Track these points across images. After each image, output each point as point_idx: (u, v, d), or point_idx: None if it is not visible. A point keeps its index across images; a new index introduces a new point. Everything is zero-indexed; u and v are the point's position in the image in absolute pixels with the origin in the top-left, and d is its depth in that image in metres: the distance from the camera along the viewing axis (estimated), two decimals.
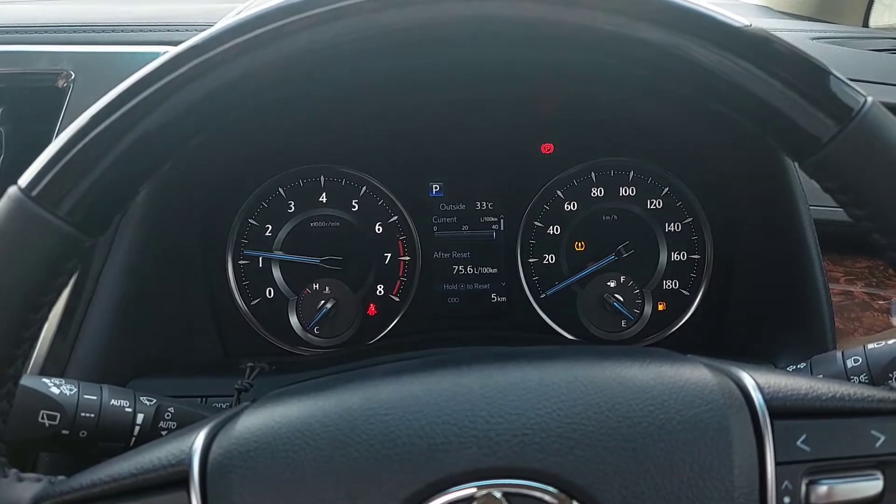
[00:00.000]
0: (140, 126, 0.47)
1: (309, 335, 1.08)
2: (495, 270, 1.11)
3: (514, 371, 0.49)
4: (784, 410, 0.46)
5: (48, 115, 0.88)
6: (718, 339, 1.04)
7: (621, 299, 1.07)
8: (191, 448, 0.47)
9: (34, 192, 0.46)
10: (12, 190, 0.47)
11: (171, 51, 0.48)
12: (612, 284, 1.08)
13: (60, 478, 0.49)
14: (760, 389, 0.47)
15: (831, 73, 0.48)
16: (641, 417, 0.45)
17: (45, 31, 0.96)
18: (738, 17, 0.49)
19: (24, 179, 0.47)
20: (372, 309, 1.09)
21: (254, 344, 1.07)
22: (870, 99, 0.48)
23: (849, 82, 0.48)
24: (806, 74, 0.48)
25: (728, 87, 0.49)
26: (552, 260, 1.10)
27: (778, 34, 0.49)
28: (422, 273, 1.10)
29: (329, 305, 1.06)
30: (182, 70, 0.47)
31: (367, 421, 0.46)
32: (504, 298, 1.11)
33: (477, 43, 0.50)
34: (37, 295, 0.47)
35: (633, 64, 0.50)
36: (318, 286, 1.07)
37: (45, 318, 0.49)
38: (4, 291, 0.46)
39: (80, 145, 0.47)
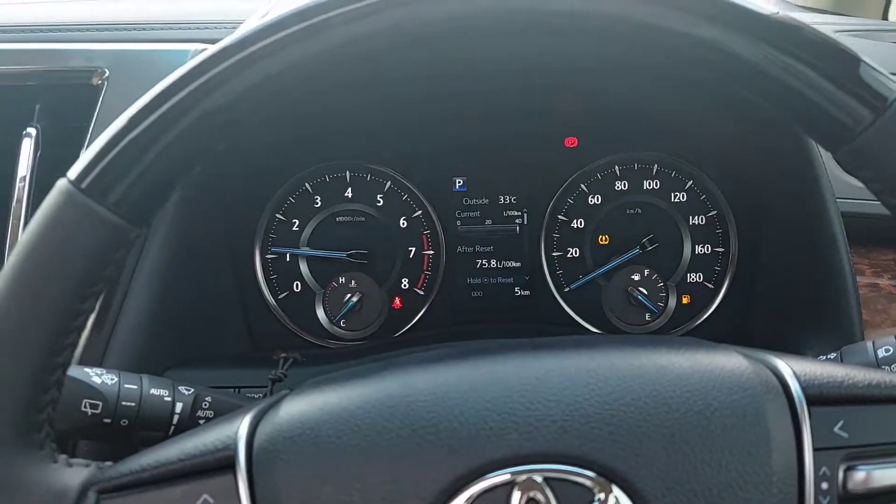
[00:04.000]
0: (184, 120, 0.49)
1: (336, 328, 1.09)
2: (519, 264, 1.12)
3: (551, 358, 0.50)
4: (821, 397, 0.47)
5: (83, 112, 0.89)
6: (743, 332, 1.05)
7: (645, 292, 1.08)
8: (236, 434, 0.48)
9: (83, 184, 0.48)
10: (61, 182, 0.48)
11: (213, 47, 0.49)
12: (637, 277, 1.08)
13: (108, 463, 0.50)
14: (797, 377, 0.47)
15: (864, 62, 0.48)
16: (679, 404, 0.46)
17: (80, 30, 0.98)
18: (766, 6, 0.49)
19: (74, 172, 0.48)
20: (397, 302, 1.10)
21: (282, 337, 1.08)
22: None
23: (883, 70, 0.49)
24: (839, 63, 0.48)
25: (759, 76, 0.49)
26: (576, 253, 1.10)
27: None
28: (446, 267, 1.11)
29: (355, 299, 1.08)
30: (225, 65, 0.48)
31: (408, 407, 0.47)
32: (528, 292, 1.12)
33: (504, 35, 0.50)
34: (85, 285, 0.48)
35: (662, 53, 0.50)
36: (344, 280, 1.08)
37: (92, 309, 0.50)
38: (54, 281, 0.47)
39: (128, 138, 0.48)
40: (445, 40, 0.50)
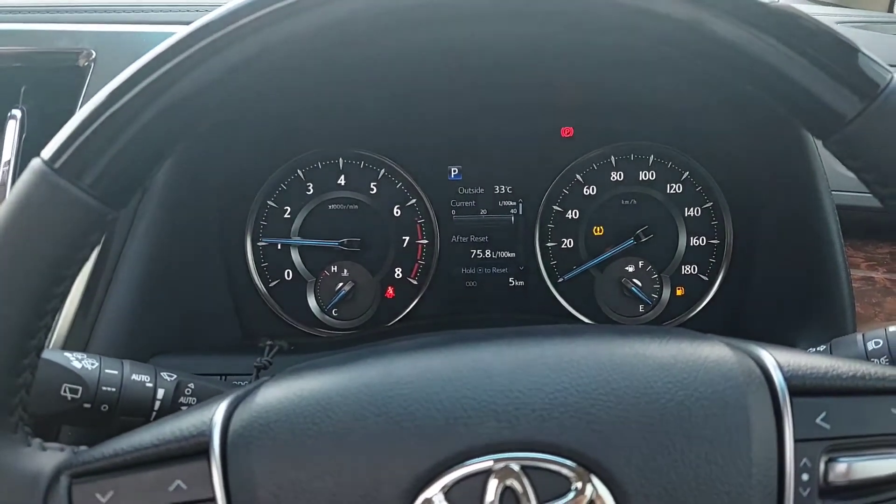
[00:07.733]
0: (160, 100, 0.48)
1: (327, 317, 1.08)
2: (513, 254, 1.11)
3: (534, 347, 0.49)
4: (804, 388, 0.46)
5: (69, 93, 0.88)
6: (737, 324, 1.04)
7: (639, 284, 1.07)
8: (211, 420, 0.47)
9: (57, 164, 0.47)
10: (35, 162, 0.47)
11: (192, 24, 0.48)
12: (631, 269, 1.08)
13: (83, 447, 0.49)
14: (780, 367, 0.47)
15: (857, 50, 0.47)
16: (660, 394, 0.45)
17: (66, 11, 0.97)
18: None
19: (47, 152, 0.47)
20: (390, 292, 1.10)
21: (272, 326, 1.07)
22: None
23: (875, 58, 0.48)
24: (831, 50, 0.47)
25: (752, 64, 0.48)
26: (570, 244, 1.09)
27: None
28: (440, 256, 1.10)
29: (347, 288, 1.07)
30: (203, 43, 0.47)
31: (386, 394, 0.46)
32: (522, 282, 1.11)
33: (497, 21, 0.49)
34: (59, 267, 0.48)
35: (657, 41, 0.49)
36: (336, 269, 1.08)
37: (67, 291, 0.49)
38: (27, 263, 0.47)
39: (102, 118, 0.47)
40: (430, 25, 0.49)
